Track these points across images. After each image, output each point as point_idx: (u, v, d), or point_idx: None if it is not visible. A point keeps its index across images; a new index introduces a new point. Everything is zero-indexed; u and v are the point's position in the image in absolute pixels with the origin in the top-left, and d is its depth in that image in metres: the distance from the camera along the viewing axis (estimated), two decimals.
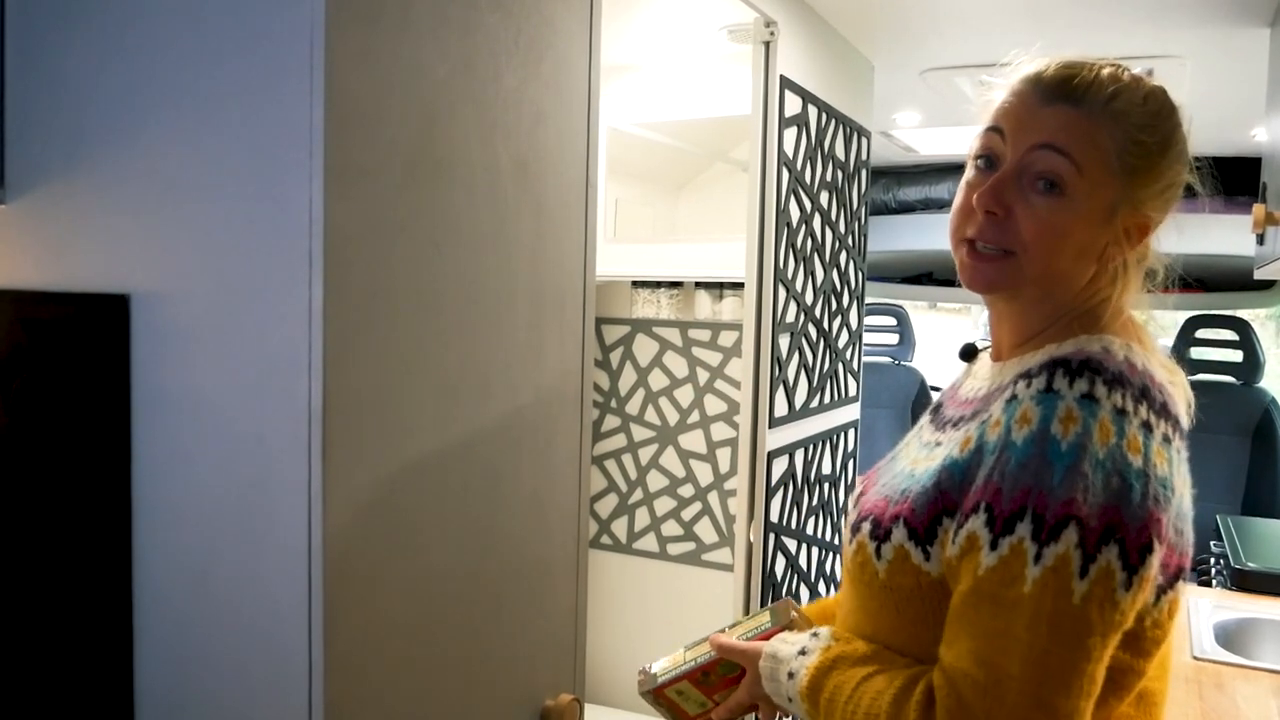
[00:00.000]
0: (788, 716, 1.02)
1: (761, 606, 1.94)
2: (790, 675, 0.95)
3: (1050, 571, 0.78)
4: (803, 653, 0.95)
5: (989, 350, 1.03)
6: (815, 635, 0.97)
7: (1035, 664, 0.77)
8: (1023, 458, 0.81)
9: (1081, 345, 0.87)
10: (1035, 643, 0.78)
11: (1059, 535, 0.78)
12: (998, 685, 0.78)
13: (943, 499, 0.88)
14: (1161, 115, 0.91)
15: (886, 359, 4.52)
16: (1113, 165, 0.89)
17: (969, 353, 1.07)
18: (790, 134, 1.98)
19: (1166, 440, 0.84)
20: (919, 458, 0.97)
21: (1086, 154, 0.88)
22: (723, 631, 1.08)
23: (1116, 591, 0.78)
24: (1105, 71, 0.90)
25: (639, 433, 2.49)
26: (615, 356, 2.51)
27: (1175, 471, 0.84)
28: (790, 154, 1.99)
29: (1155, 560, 0.81)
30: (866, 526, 0.94)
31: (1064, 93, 0.89)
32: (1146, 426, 0.83)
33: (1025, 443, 0.82)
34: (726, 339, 2.37)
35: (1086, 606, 0.78)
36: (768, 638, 1.02)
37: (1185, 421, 0.88)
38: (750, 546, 1.97)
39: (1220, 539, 2.62)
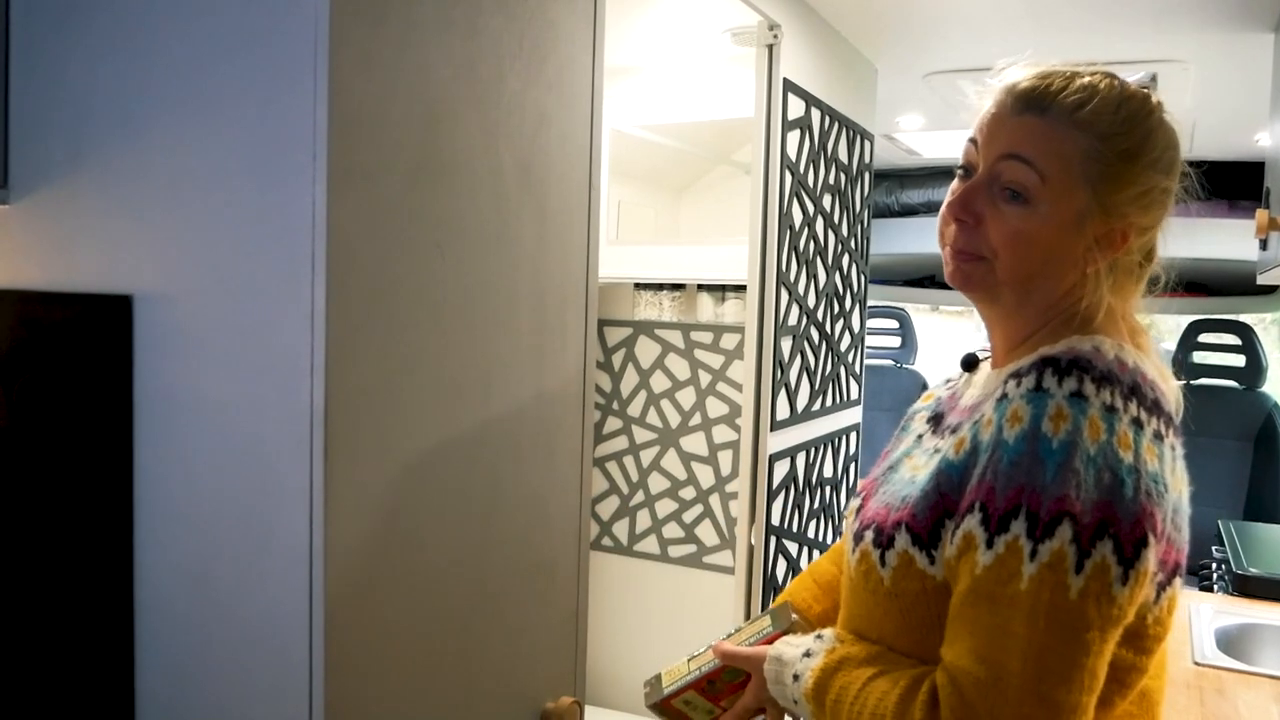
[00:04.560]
0: (795, 719, 1.02)
1: (762, 610, 1.94)
2: (795, 677, 0.95)
3: (1046, 568, 0.79)
4: (807, 655, 0.96)
5: (990, 360, 1.03)
6: (819, 637, 0.98)
7: (1034, 659, 0.78)
8: (1014, 456, 0.82)
9: (1072, 345, 0.88)
10: (1034, 638, 0.78)
11: (1053, 531, 0.79)
12: (999, 681, 0.79)
13: (943, 501, 0.88)
14: (1134, 122, 0.90)
15: (889, 362, 4.52)
16: (1078, 174, 0.89)
17: (970, 363, 1.07)
18: (793, 137, 1.98)
19: (1158, 437, 0.85)
20: (920, 464, 0.97)
21: (1050, 163, 0.89)
22: (725, 638, 1.08)
23: (1113, 586, 0.79)
24: (1080, 80, 0.90)
25: (640, 435, 2.49)
26: (617, 358, 2.51)
27: (1168, 468, 0.85)
28: (793, 157, 1.99)
29: (1151, 555, 0.81)
30: (869, 535, 0.94)
31: (1031, 102, 0.90)
32: (1137, 423, 0.84)
33: (1017, 441, 0.83)
34: (729, 341, 2.37)
35: (1083, 601, 0.78)
36: (770, 642, 1.02)
37: (1177, 419, 0.89)
38: (751, 549, 1.97)
39: (1222, 544, 2.62)
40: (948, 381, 1.12)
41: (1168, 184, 0.92)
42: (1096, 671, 0.80)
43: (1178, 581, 0.87)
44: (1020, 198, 0.90)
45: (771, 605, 1.17)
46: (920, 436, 1.05)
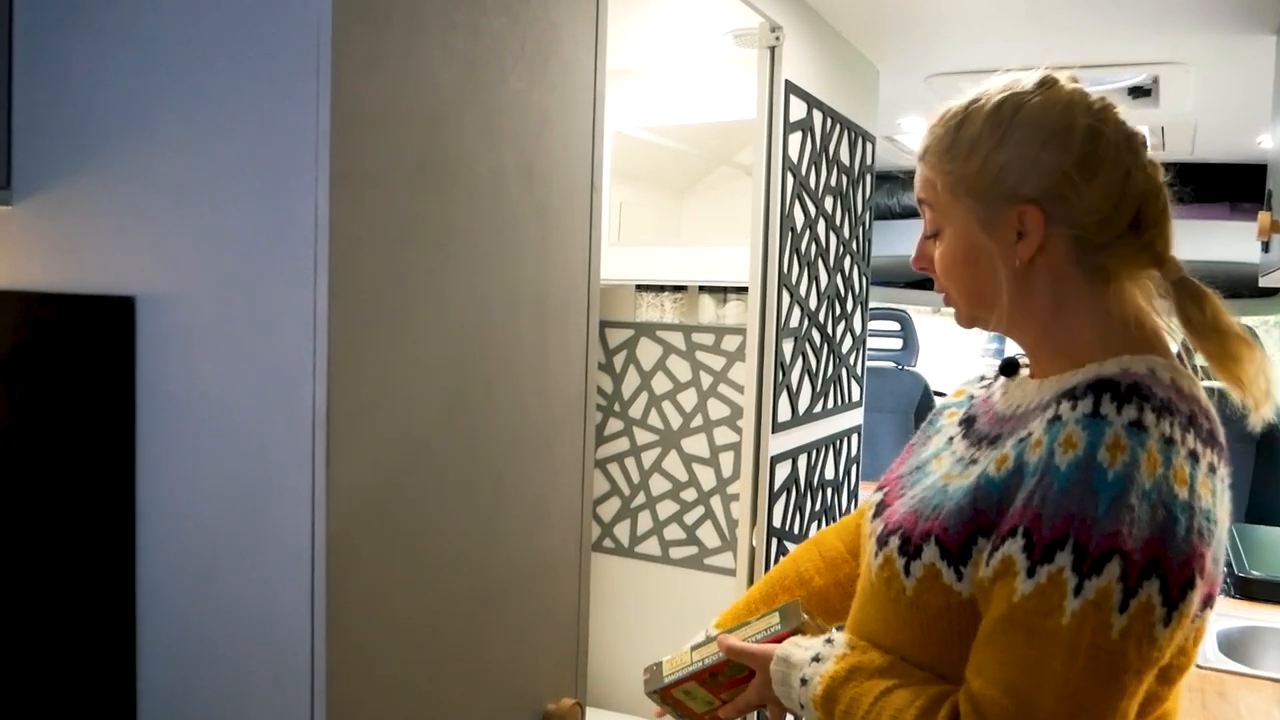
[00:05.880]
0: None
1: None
2: (803, 681, 0.93)
3: (1090, 605, 0.76)
4: (817, 659, 0.94)
5: (1029, 367, 1.01)
6: (830, 642, 0.96)
7: (1069, 698, 0.76)
8: (1066, 484, 0.79)
9: (1126, 365, 0.85)
10: (1070, 676, 0.76)
11: (1102, 568, 0.76)
12: (1028, 716, 0.77)
13: (978, 518, 0.85)
14: (965, 120, 0.94)
15: (890, 364, 4.52)
16: (945, 191, 0.95)
17: (1010, 368, 1.04)
18: (795, 138, 1.98)
19: (1212, 470, 0.83)
20: (952, 473, 0.95)
21: (930, 194, 0.97)
22: (730, 632, 1.07)
23: (1155, 627, 0.77)
24: (950, 109, 0.97)
25: (642, 436, 2.49)
26: (619, 360, 2.51)
27: (1219, 502, 0.83)
28: (795, 158, 1.99)
29: (1196, 597, 0.79)
30: (895, 541, 0.92)
31: (920, 152, 1.00)
32: (1193, 456, 0.81)
33: (1070, 468, 0.80)
34: (730, 343, 2.37)
35: (1124, 642, 0.76)
36: (778, 640, 1.01)
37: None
38: (753, 551, 1.97)
39: None
40: (982, 379, 1.10)
41: (1038, 153, 0.90)
42: (1128, 713, 0.78)
43: (1208, 613, 0.84)
44: (937, 234, 0.97)
45: (781, 602, 1.17)
46: (951, 439, 1.02)
